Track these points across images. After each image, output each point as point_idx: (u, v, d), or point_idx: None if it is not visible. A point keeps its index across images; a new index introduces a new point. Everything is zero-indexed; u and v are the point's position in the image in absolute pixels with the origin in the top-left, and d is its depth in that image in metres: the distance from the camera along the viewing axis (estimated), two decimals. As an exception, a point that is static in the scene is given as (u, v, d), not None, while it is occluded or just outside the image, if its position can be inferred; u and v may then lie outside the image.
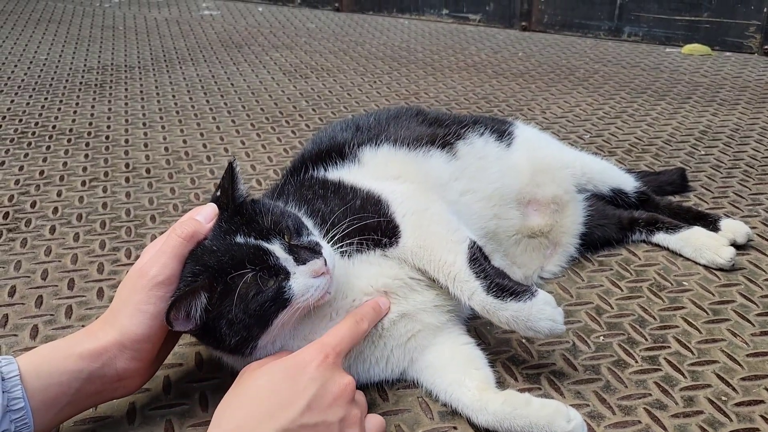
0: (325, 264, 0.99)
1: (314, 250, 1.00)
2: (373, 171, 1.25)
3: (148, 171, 1.94)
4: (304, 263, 0.98)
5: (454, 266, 1.09)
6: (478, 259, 1.10)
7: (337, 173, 1.24)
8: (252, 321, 0.97)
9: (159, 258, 0.97)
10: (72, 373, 0.92)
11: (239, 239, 0.98)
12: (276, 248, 0.98)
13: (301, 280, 0.98)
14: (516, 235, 1.38)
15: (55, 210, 1.71)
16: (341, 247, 1.08)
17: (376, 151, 1.29)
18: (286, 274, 0.98)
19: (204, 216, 1.02)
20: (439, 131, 1.37)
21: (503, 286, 1.07)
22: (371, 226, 1.11)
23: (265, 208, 1.03)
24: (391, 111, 1.45)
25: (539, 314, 1.06)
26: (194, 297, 0.94)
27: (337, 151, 1.28)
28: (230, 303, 0.95)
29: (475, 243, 1.13)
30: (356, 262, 1.11)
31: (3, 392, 0.86)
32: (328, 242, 1.06)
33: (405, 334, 1.12)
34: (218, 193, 1.04)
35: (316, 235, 1.06)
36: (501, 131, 1.47)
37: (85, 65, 3.07)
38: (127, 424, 1.05)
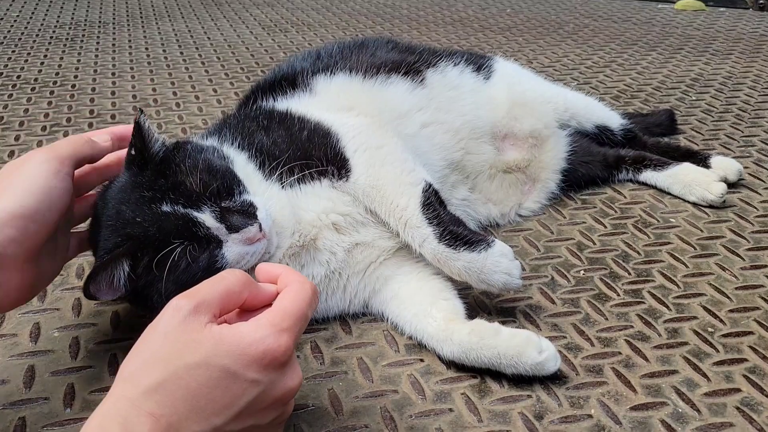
0: (260, 229, 0.92)
1: (248, 213, 0.92)
2: (325, 101, 1.16)
3: (113, 117, 1.85)
4: (237, 231, 0.90)
5: (406, 210, 1.01)
6: (432, 203, 1.02)
7: (286, 103, 1.15)
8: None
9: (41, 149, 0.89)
10: None
11: (165, 207, 0.89)
12: (206, 217, 0.89)
13: (235, 248, 0.91)
14: (490, 169, 1.30)
15: (12, 153, 1.62)
16: (285, 180, 1.01)
17: (330, 80, 1.20)
18: (218, 243, 0.90)
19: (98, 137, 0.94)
20: (408, 58, 1.29)
21: (457, 234, 0.99)
22: (318, 156, 1.03)
23: (191, 162, 0.93)
24: (359, 40, 1.37)
25: (494, 266, 0.98)
26: (115, 266, 0.87)
27: (289, 81, 1.20)
28: (160, 275, 0.88)
29: (430, 186, 1.05)
30: (304, 194, 1.02)
31: None
32: (269, 178, 0.99)
33: (362, 261, 1.04)
34: (132, 152, 0.92)
35: (254, 183, 0.97)
36: (480, 64, 1.38)
37: (57, 21, 2.97)
38: (69, 358, 0.98)
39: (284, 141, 1.04)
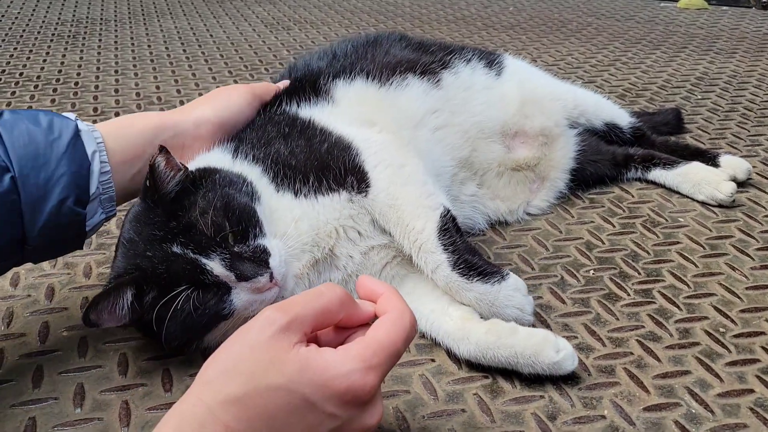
0: (271, 278, 0.89)
1: (260, 261, 0.89)
2: (347, 111, 1.14)
3: (117, 114, 1.84)
4: (246, 280, 0.88)
5: (421, 234, 0.99)
6: (449, 230, 0.99)
7: (309, 111, 1.13)
8: (189, 333, 0.89)
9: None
10: (146, 138, 0.98)
11: (176, 249, 0.87)
12: (215, 265, 0.87)
13: (244, 296, 0.89)
14: (499, 167, 1.29)
15: (16, 151, 1.61)
16: (301, 190, 1.00)
17: (349, 86, 1.18)
18: (228, 289, 0.89)
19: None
20: (423, 58, 1.27)
21: (471, 264, 0.97)
22: (336, 167, 1.01)
23: (207, 201, 0.90)
24: (372, 36, 1.35)
25: (506, 300, 0.96)
26: (118, 295, 0.86)
27: (310, 84, 1.18)
28: (164, 316, 0.87)
29: (449, 211, 1.02)
30: (322, 206, 1.01)
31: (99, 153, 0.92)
32: (282, 189, 0.99)
33: (378, 263, 1.04)
34: (147, 184, 0.92)
35: (266, 233, 0.93)
36: (490, 60, 1.37)
37: (59, 19, 2.95)
38: (77, 357, 0.97)
39: (303, 151, 1.03)
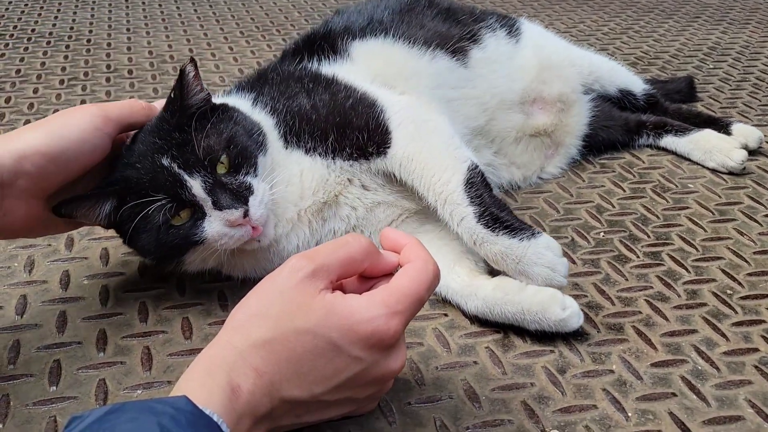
0: (245, 216, 0.89)
1: (239, 196, 0.90)
2: (368, 72, 1.14)
3: (130, 72, 1.84)
4: (221, 209, 0.89)
5: (447, 185, 0.97)
6: (476, 183, 0.98)
7: (331, 68, 1.13)
8: (163, 249, 0.91)
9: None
10: None
11: (165, 161, 0.88)
12: (195, 184, 0.88)
13: (216, 226, 0.89)
14: (517, 134, 1.30)
15: (31, 105, 1.62)
16: (319, 148, 1.00)
17: (377, 49, 1.18)
18: (202, 214, 0.89)
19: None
20: (454, 31, 1.26)
21: (498, 217, 0.95)
22: (358, 126, 1.01)
23: (214, 127, 0.91)
24: (405, 2, 1.31)
25: (535, 258, 0.92)
26: (98, 202, 0.88)
27: (335, 41, 1.17)
28: (141, 225, 0.89)
29: (476, 166, 1.00)
30: (336, 164, 1.01)
31: None
32: (294, 145, 0.99)
33: (384, 220, 1.05)
34: (171, 96, 0.92)
35: (258, 172, 0.94)
36: (510, 25, 1.37)
37: (68, -24, 2.93)
38: (99, 305, 0.99)
39: (326, 106, 1.02)
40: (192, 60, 0.91)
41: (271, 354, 0.65)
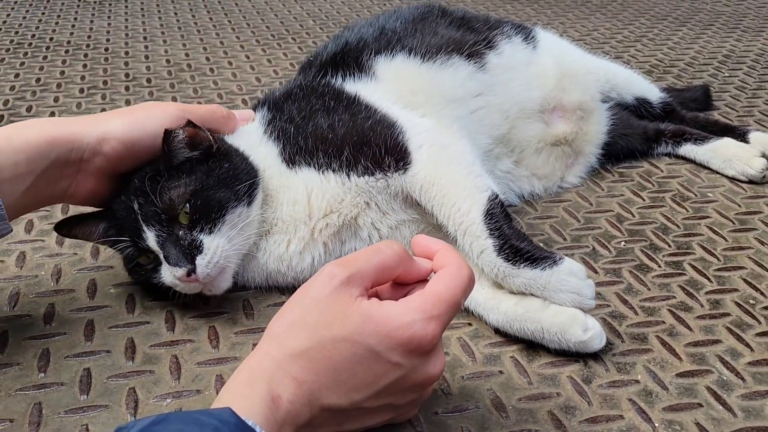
0: (189, 275, 0.91)
1: (187, 254, 0.91)
2: (391, 91, 1.14)
3: (148, 81, 1.86)
4: (169, 264, 0.92)
5: (467, 216, 0.96)
6: (495, 214, 0.97)
7: (355, 87, 1.13)
8: (139, 278, 1.00)
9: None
10: (40, 152, 0.88)
11: (135, 206, 0.94)
12: (150, 236, 0.93)
13: (168, 276, 0.95)
14: (539, 143, 1.30)
15: (52, 114, 1.64)
16: (333, 163, 1.01)
17: (391, 63, 1.18)
18: (159, 261, 0.95)
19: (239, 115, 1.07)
20: (468, 37, 1.26)
21: (518, 249, 0.93)
22: (377, 144, 1.00)
23: (184, 181, 0.93)
24: (419, 11, 1.33)
25: (559, 285, 0.92)
26: (89, 225, 1.00)
27: (354, 59, 1.18)
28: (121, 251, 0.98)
29: (497, 196, 0.99)
30: (349, 181, 1.01)
31: None
32: (316, 161, 1.01)
33: (409, 236, 1.05)
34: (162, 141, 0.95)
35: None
36: (526, 33, 1.38)
37: (84, -16, 2.96)
38: (126, 313, 1.00)
39: (345, 125, 1.02)
40: (189, 122, 0.94)
41: (309, 363, 0.65)
